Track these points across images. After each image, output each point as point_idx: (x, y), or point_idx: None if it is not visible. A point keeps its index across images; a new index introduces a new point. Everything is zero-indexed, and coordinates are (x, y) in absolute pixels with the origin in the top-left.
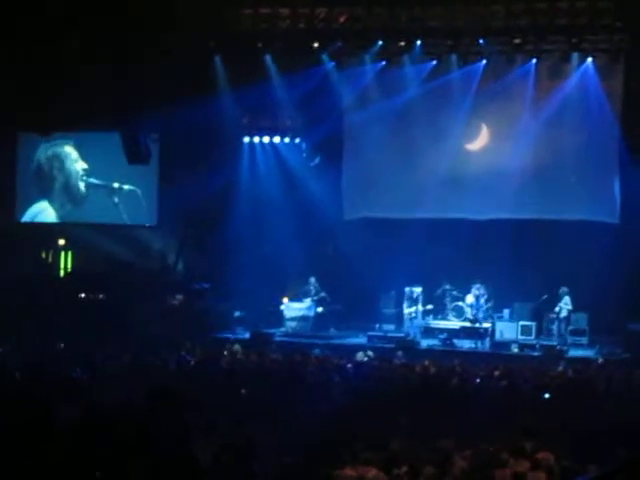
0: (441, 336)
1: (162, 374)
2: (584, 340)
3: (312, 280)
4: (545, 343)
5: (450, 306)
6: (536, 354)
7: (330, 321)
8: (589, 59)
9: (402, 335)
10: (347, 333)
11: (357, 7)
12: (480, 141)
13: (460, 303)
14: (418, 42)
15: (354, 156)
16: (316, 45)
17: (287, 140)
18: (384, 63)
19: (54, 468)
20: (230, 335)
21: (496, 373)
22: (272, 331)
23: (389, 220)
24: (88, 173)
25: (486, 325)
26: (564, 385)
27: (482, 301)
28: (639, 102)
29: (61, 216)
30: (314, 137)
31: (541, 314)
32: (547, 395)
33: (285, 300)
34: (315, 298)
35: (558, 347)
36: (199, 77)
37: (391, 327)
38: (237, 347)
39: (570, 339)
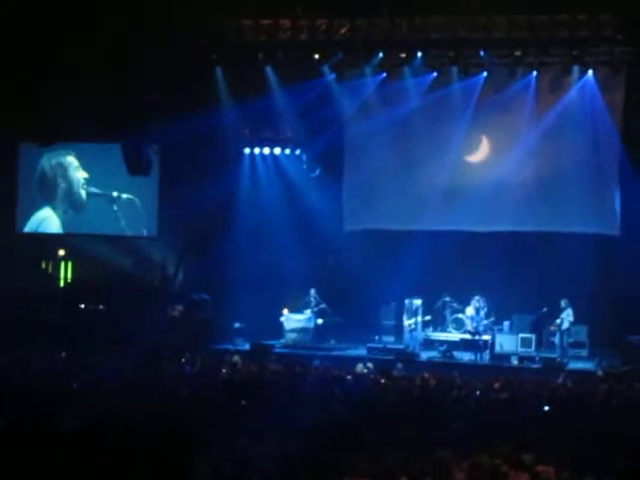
0: (441, 348)
1: (162, 385)
2: (584, 352)
3: (312, 291)
4: (545, 355)
5: (450, 318)
6: (536, 366)
7: (330, 333)
8: (590, 71)
9: (402, 347)
10: (347, 345)
11: (358, 19)
12: (480, 153)
13: (460, 315)
14: (419, 54)
15: (355, 168)
16: (317, 56)
17: (288, 151)
18: (385, 75)
19: (55, 478)
20: (230, 346)
21: (496, 385)
22: (272, 342)
23: (389, 232)
24: (89, 182)
25: (486, 337)
26: (564, 397)
27: (482, 313)
28: None
29: (64, 222)
30: (315, 148)
31: (541, 326)
32: (547, 407)
33: (285, 311)
34: (315, 309)
35: (558, 360)
36: (200, 88)
37: (391, 339)
38: (237, 358)
39: (570, 352)
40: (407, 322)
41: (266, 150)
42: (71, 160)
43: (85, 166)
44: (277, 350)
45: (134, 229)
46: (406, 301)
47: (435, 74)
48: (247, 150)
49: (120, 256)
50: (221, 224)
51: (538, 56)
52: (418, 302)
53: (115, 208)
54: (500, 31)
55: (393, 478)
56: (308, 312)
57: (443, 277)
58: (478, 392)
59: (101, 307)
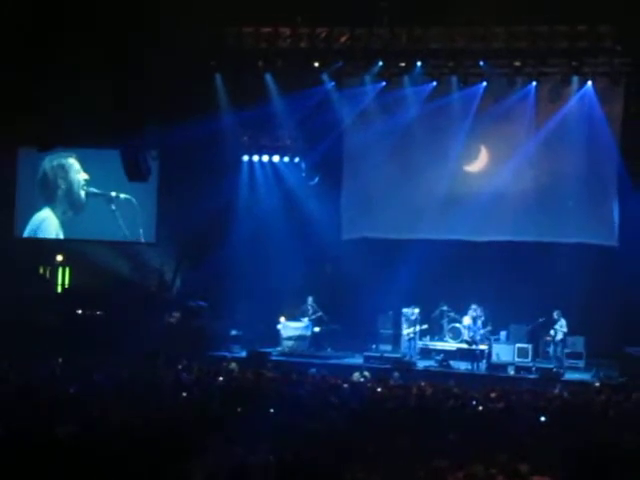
0: (438, 357)
1: (158, 391)
2: (580, 363)
3: (309, 299)
4: (541, 366)
5: (447, 327)
6: (532, 377)
7: (327, 341)
8: (589, 82)
9: (399, 356)
10: (344, 353)
11: (358, 27)
12: (479, 163)
13: (457, 325)
14: (418, 63)
15: (353, 176)
16: (317, 64)
17: (286, 159)
18: (384, 83)
19: None
20: (227, 353)
21: (492, 395)
22: (269, 350)
23: (387, 240)
24: (89, 183)
25: (483, 347)
26: (560, 408)
27: (479, 323)
28: (639, 126)
29: (63, 222)
30: (313, 156)
31: (538, 336)
32: (543, 418)
33: (282, 319)
34: (312, 317)
35: (554, 370)
36: (199, 95)
37: (388, 348)
38: (233, 365)
39: (566, 362)
40: (406, 331)
41: (265, 157)
42: (72, 162)
43: (86, 168)
44: (274, 358)
45: (131, 228)
46: (404, 310)
47: (434, 83)
48: (246, 157)
49: (118, 262)
50: (219, 231)
51: (537, 66)
52: (416, 311)
53: (113, 207)
54: (499, 41)
55: None
56: (305, 320)
57: (441, 286)
58: (474, 402)
59: (98, 313)
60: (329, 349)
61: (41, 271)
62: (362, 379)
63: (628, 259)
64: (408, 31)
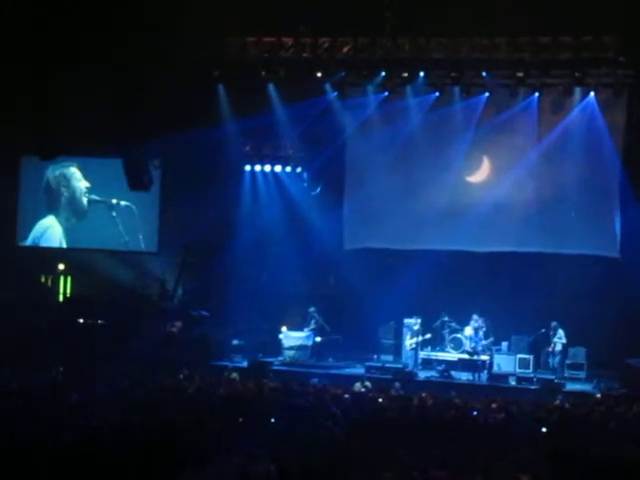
0: (439, 368)
1: (159, 401)
2: (582, 374)
3: (311, 309)
4: (543, 376)
5: (448, 338)
6: (533, 387)
7: (328, 351)
8: (592, 93)
9: (400, 366)
10: (345, 363)
11: (361, 37)
12: (481, 174)
13: (459, 335)
14: (421, 73)
15: (356, 186)
16: (319, 75)
17: (289, 169)
18: (387, 94)
19: None
20: (228, 363)
21: (493, 406)
22: (270, 360)
23: (389, 251)
24: (90, 191)
25: (484, 357)
26: (561, 419)
27: (481, 333)
28: None
29: (66, 229)
30: (316, 166)
31: (539, 347)
32: (544, 429)
33: (284, 329)
34: (314, 327)
35: (556, 381)
36: (202, 104)
37: (389, 358)
38: (235, 375)
39: (568, 373)
40: (408, 342)
41: (267, 167)
42: (74, 171)
43: (87, 177)
44: (275, 367)
45: (131, 235)
46: (406, 320)
47: (437, 94)
48: (248, 167)
49: (120, 271)
50: (221, 241)
51: (540, 77)
52: (417, 321)
53: (114, 214)
54: (502, 52)
55: None
56: (307, 330)
57: (442, 297)
58: (475, 412)
59: (100, 322)
60: (330, 359)
61: (43, 280)
62: (363, 389)
63: (630, 270)
64: (411, 41)
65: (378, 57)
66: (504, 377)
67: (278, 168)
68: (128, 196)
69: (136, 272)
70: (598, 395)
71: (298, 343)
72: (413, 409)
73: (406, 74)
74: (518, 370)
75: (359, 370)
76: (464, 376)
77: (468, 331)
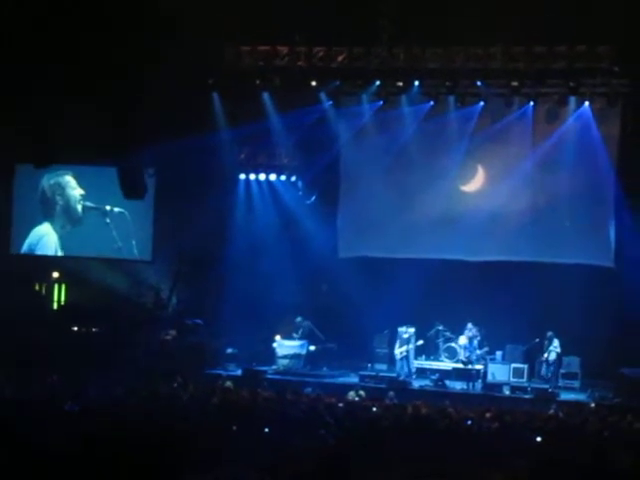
0: (433, 377)
1: (153, 409)
2: (576, 384)
3: (298, 319)
4: (537, 386)
5: (443, 347)
6: (528, 397)
7: (322, 360)
8: (586, 103)
9: (394, 375)
10: (339, 372)
11: (356, 47)
12: (476, 183)
13: (453, 344)
14: (416, 82)
15: (350, 195)
16: (314, 83)
17: (283, 178)
18: (381, 103)
19: None
20: (222, 372)
21: (487, 415)
22: (264, 368)
23: (384, 259)
24: (85, 198)
25: (478, 367)
26: (556, 428)
27: (475, 342)
28: (635, 146)
29: (61, 236)
30: (310, 175)
31: (533, 357)
32: (539, 438)
33: (278, 338)
34: (308, 336)
35: (550, 390)
36: (197, 113)
37: (383, 367)
38: (229, 384)
39: (562, 382)
40: (397, 350)
41: (262, 176)
42: (69, 179)
43: (82, 185)
44: (269, 376)
45: (124, 240)
46: (399, 329)
47: (432, 103)
48: (243, 176)
49: (114, 279)
50: (215, 249)
51: (535, 87)
52: (411, 330)
53: (107, 220)
54: (497, 62)
55: None
56: (301, 339)
57: (437, 306)
58: (469, 421)
59: (94, 330)
60: (324, 368)
61: (37, 288)
62: (357, 398)
63: (624, 280)
64: (406, 51)
65: (373, 66)
66: (498, 386)
67: (273, 177)
68: (122, 204)
69: (131, 280)
70: (592, 405)
71: (292, 352)
72: (407, 418)
73: (401, 83)
74: (512, 379)
75: (353, 379)
76: (458, 385)
77: (462, 340)
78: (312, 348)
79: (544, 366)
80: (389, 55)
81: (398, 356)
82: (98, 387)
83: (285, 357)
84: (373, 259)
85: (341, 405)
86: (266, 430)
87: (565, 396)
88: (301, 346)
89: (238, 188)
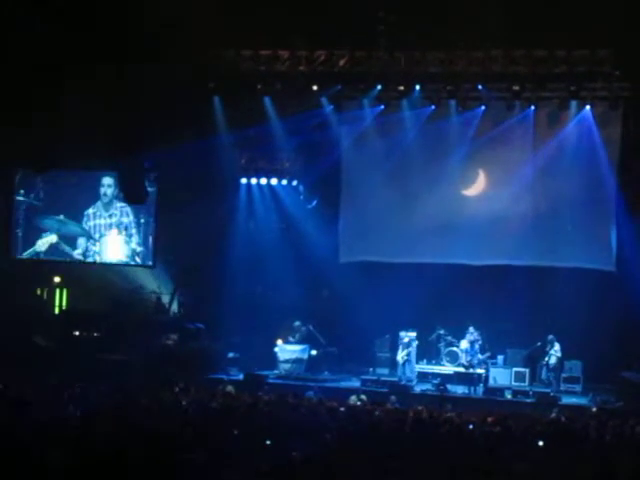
0: (435, 381)
1: (155, 413)
2: (578, 388)
3: (296, 323)
4: (538, 390)
5: (444, 351)
6: (529, 401)
7: (324, 364)
8: (587, 107)
9: (396, 379)
10: (341, 376)
11: (357, 51)
12: (477, 187)
13: (454, 348)
14: (417, 87)
15: (351, 199)
16: (315, 88)
17: (284, 182)
18: (383, 107)
19: None
20: (223, 376)
21: (489, 419)
22: (265, 373)
23: (385, 264)
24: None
25: (480, 371)
26: (557, 432)
27: (477, 347)
28: (637, 150)
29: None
30: (312, 179)
31: (534, 361)
32: (541, 442)
33: (279, 342)
34: (305, 340)
35: (551, 394)
36: (198, 117)
37: (385, 371)
38: (230, 388)
39: (564, 386)
40: (399, 355)
41: (263, 180)
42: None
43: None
44: (271, 381)
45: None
46: (401, 333)
47: (433, 107)
48: (244, 180)
49: (115, 284)
50: (217, 254)
51: (536, 91)
52: (413, 334)
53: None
54: (498, 66)
55: None
56: (295, 343)
57: (438, 310)
58: (471, 426)
59: (95, 335)
60: (326, 372)
61: (38, 292)
62: (359, 402)
63: (626, 284)
64: (407, 55)
65: (374, 70)
66: (500, 390)
67: (274, 181)
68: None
69: (132, 285)
70: (594, 409)
71: (294, 356)
72: (409, 422)
73: (402, 87)
74: (514, 383)
75: (355, 383)
76: (460, 389)
77: (464, 344)
78: (314, 352)
79: (546, 370)
80: (390, 59)
81: (401, 361)
82: (99, 392)
83: (287, 361)
84: (374, 263)
85: (343, 409)
86: (268, 435)
87: (567, 400)
88: (303, 350)
89: (239, 192)
